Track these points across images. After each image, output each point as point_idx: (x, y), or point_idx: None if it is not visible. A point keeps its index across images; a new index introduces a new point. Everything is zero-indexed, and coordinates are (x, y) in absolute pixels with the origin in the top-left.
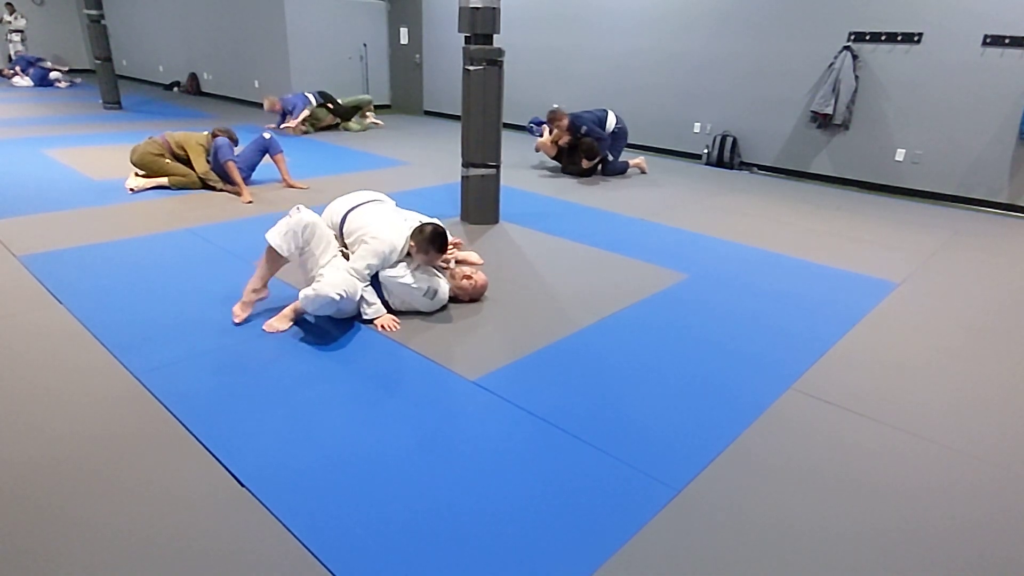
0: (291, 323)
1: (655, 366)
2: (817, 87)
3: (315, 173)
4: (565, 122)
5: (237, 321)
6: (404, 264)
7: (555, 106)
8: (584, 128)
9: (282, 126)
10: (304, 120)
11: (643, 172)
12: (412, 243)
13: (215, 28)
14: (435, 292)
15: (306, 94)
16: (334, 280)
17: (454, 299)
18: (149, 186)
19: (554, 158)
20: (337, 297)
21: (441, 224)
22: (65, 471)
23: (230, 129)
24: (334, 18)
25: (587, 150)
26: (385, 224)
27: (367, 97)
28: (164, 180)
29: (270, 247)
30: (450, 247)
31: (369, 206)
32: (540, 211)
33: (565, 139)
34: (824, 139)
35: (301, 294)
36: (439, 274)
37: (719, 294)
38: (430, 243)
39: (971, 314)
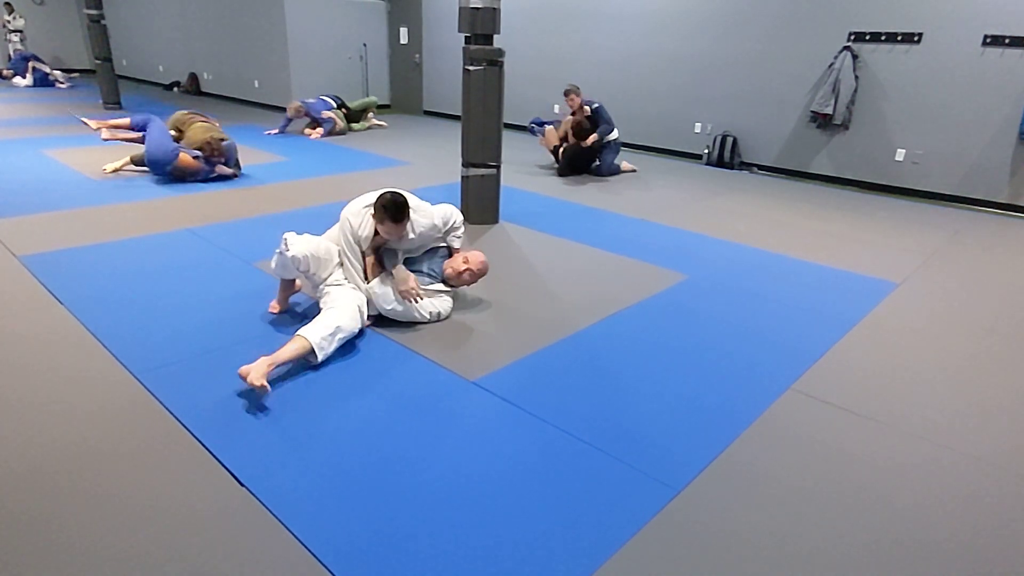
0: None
1: (655, 366)
2: (817, 87)
3: (315, 173)
4: (578, 100)
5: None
6: (393, 296)
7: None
8: (596, 104)
9: (311, 136)
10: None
11: (634, 171)
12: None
13: (215, 28)
14: (443, 317)
15: (324, 98)
16: (342, 313)
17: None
18: (121, 165)
19: (553, 150)
20: (355, 328)
21: (401, 193)
22: (65, 470)
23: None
24: (334, 18)
25: (584, 130)
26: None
27: (374, 99)
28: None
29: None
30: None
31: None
32: (540, 211)
33: (577, 120)
34: (824, 139)
35: (315, 340)
36: (444, 292)
37: (719, 294)
38: (382, 210)
39: (971, 314)
